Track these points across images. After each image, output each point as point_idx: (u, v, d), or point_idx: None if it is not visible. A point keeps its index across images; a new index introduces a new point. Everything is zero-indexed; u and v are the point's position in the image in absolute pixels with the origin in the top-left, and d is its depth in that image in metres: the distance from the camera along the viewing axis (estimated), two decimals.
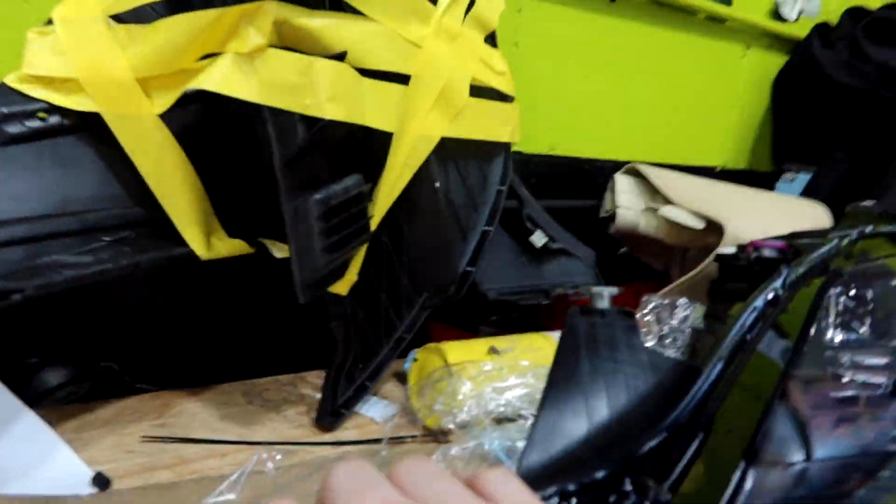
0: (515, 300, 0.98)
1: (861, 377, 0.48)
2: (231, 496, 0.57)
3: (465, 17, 0.79)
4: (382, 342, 0.82)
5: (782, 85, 1.55)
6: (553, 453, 0.32)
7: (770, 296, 0.41)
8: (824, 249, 0.49)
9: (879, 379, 0.49)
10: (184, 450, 0.67)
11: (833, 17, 1.58)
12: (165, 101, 0.60)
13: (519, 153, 1.14)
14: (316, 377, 0.87)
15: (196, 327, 0.84)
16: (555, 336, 0.84)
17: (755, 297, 0.41)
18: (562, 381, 0.34)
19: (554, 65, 1.19)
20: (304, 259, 0.61)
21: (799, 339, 0.39)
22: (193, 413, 0.75)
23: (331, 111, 0.59)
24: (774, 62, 1.57)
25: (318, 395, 0.80)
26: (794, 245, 0.53)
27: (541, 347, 0.80)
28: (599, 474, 0.31)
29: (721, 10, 1.35)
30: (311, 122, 0.59)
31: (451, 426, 0.62)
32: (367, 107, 0.65)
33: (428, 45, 0.72)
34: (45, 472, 0.59)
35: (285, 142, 0.60)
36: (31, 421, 0.61)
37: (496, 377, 0.64)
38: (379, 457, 0.63)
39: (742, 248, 0.62)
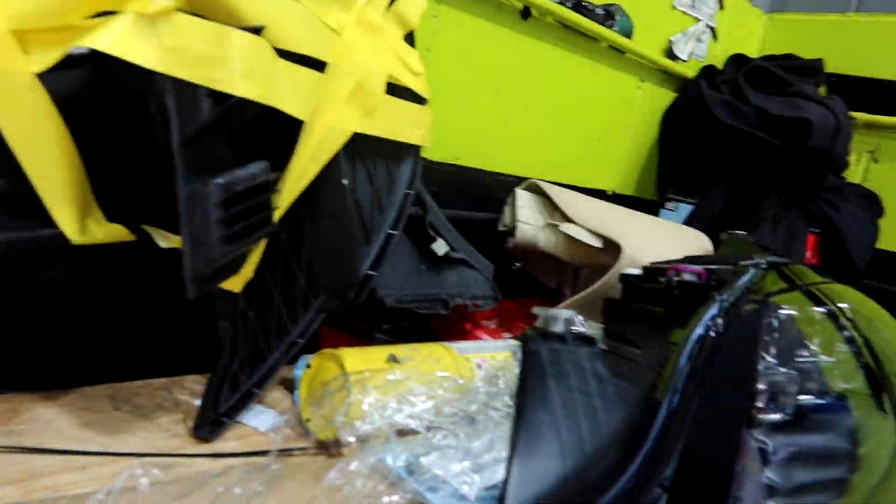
0: (414, 308, 0.95)
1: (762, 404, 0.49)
2: None
3: (387, 11, 0.76)
4: (273, 346, 0.76)
5: (671, 119, 1.64)
6: (533, 495, 0.29)
7: (710, 323, 0.41)
8: (746, 279, 0.51)
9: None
10: (34, 462, 0.58)
11: (719, 62, 1.70)
12: (46, 59, 0.52)
13: (423, 160, 1.12)
14: (194, 382, 0.80)
15: (56, 320, 0.74)
16: (455, 346, 0.82)
17: (695, 325, 0.40)
18: (533, 412, 0.32)
19: (465, 75, 1.18)
20: (197, 249, 0.55)
21: (750, 371, 0.39)
22: (48, 420, 0.66)
23: (243, 88, 0.54)
24: (665, 97, 1.66)
25: (197, 402, 0.73)
26: (712, 273, 0.54)
27: (441, 357, 0.78)
28: None
29: (622, 41, 1.41)
30: (220, 98, 0.54)
31: (351, 439, 0.58)
32: (282, 89, 0.60)
33: (348, 33, 0.68)
34: None
35: (187, 118, 0.53)
36: None
37: (401, 388, 0.61)
38: (268, 471, 0.57)
39: (659, 270, 0.63)
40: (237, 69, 0.53)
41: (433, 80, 0.92)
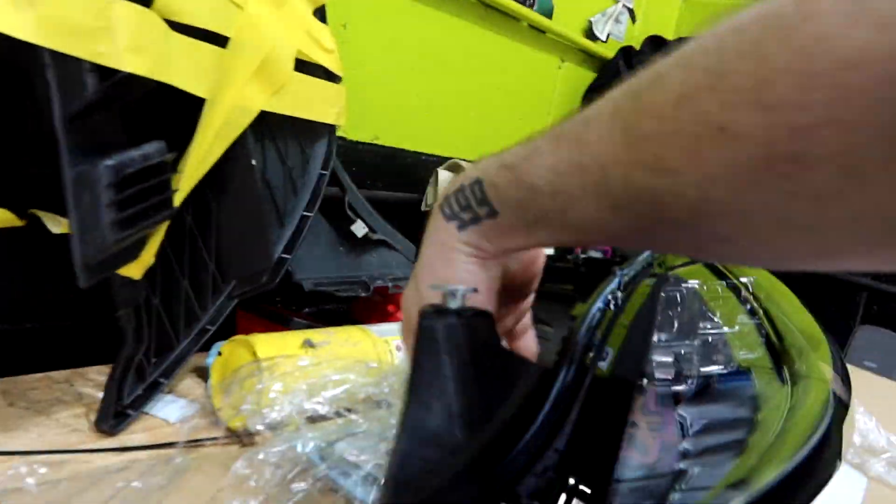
0: (333, 291, 0.93)
1: (661, 375, 0.50)
2: None
3: None
4: (181, 334, 0.73)
5: (591, 99, 1.66)
6: (416, 480, 0.29)
7: (609, 297, 0.41)
8: (646, 254, 0.52)
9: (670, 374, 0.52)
10: None
11: (637, 43, 1.73)
12: None
13: (342, 139, 1.10)
14: (98, 373, 0.76)
15: None
16: (373, 329, 0.81)
17: (596, 298, 0.41)
18: (424, 388, 0.31)
19: (382, 52, 1.16)
20: (87, 235, 0.52)
21: (643, 343, 0.39)
22: None
23: (130, 63, 0.51)
24: (585, 77, 1.68)
25: (101, 395, 0.70)
26: (616, 250, 0.55)
27: (359, 341, 0.77)
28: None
29: (542, 21, 1.41)
30: (105, 73, 0.50)
31: (260, 427, 0.56)
32: (176, 65, 0.56)
33: (250, 7, 0.65)
34: None
35: (70, 94, 0.50)
36: None
37: (313, 373, 0.60)
38: (173, 464, 0.55)
39: (568, 250, 0.64)
40: (122, 42, 0.50)
41: (350, 58, 0.89)
